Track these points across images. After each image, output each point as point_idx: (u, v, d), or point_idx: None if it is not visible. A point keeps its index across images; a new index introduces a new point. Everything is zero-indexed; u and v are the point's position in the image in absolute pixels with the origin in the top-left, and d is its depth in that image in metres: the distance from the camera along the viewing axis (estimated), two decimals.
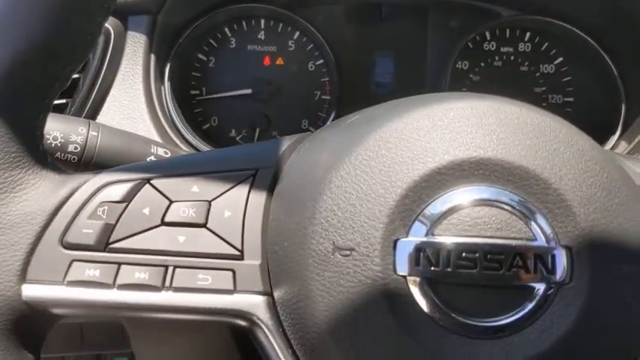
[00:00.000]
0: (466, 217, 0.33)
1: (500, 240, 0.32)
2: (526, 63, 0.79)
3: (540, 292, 0.32)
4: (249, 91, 0.77)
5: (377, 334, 0.32)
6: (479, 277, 0.32)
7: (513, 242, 0.32)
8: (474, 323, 0.32)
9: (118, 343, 0.72)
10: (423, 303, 0.32)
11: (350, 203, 0.33)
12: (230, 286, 0.36)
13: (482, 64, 0.79)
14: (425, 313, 0.32)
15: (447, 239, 0.32)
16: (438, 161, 0.33)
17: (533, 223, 0.33)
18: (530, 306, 0.32)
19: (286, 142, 0.40)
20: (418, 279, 0.32)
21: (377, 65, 0.79)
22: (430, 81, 0.78)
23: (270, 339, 0.36)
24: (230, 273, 0.36)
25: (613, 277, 0.33)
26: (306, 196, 0.35)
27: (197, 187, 0.37)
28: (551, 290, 0.32)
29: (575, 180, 0.33)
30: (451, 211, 0.33)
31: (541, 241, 0.33)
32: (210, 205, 0.36)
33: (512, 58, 0.79)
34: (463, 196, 0.33)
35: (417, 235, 0.33)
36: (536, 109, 0.37)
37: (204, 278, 0.35)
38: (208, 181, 0.37)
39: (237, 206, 0.37)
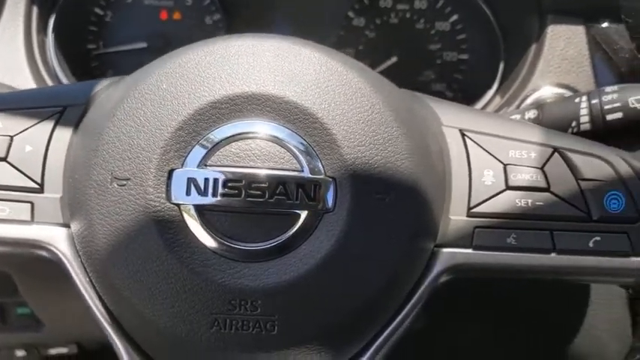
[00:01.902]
0: (237, 149, 0.34)
1: (265, 170, 0.34)
2: (422, 20, 0.80)
3: (303, 219, 0.34)
4: (144, 44, 0.77)
5: (150, 259, 0.34)
6: (244, 205, 0.34)
7: (278, 172, 0.34)
8: (241, 247, 0.34)
9: (15, 292, 0.74)
10: (194, 229, 0.34)
11: (129, 135, 0.35)
12: (27, 217, 0.37)
13: (378, 21, 0.80)
14: (196, 239, 0.34)
15: (216, 170, 0.34)
16: (213, 95, 0.35)
17: (300, 154, 0.35)
18: (293, 232, 0.34)
19: (103, 83, 0.41)
20: (190, 207, 0.34)
21: (274, 21, 0.80)
22: (326, 36, 0.79)
23: (69, 268, 0.37)
24: (28, 205, 0.37)
25: (375, 206, 0.35)
26: (95, 130, 0.36)
27: (0, 123, 0.38)
28: (315, 217, 0.34)
29: (344, 115, 0.35)
30: (224, 143, 0.35)
31: (306, 172, 0.34)
32: (12, 139, 0.38)
33: (407, 15, 0.80)
34: (235, 129, 0.35)
35: (190, 166, 0.34)
36: (317, 47, 0.38)
37: (2, 209, 0.37)
38: (13, 117, 0.38)
39: (39, 141, 0.38)
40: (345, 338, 0.36)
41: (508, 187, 0.38)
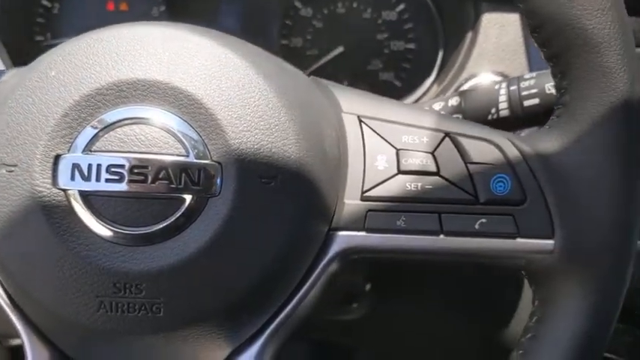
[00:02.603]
0: (122, 134, 0.35)
1: (148, 155, 0.35)
2: (368, 10, 0.80)
3: (188, 203, 0.35)
4: None
5: (37, 244, 0.35)
6: (127, 190, 0.34)
7: (160, 157, 0.35)
8: (125, 231, 0.35)
9: None
10: (80, 213, 0.35)
11: (18, 122, 0.35)
12: None
13: (326, 11, 0.80)
14: (82, 223, 0.35)
15: (100, 155, 0.35)
16: (99, 82, 0.35)
17: (185, 139, 0.35)
18: (177, 216, 0.35)
19: (10, 73, 0.42)
20: (75, 192, 0.35)
21: (220, 10, 0.80)
22: (273, 26, 0.80)
23: None
24: None
25: (260, 191, 0.35)
26: None
27: None
28: (200, 202, 0.35)
29: (230, 100, 0.36)
30: (109, 129, 0.35)
31: (192, 157, 0.35)
32: None
33: (354, 5, 0.80)
34: (121, 115, 0.35)
35: (76, 152, 0.35)
36: (207, 33, 0.39)
37: None
38: None
39: None
40: (235, 322, 0.37)
41: (400, 172, 0.39)
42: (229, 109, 0.36)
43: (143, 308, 0.35)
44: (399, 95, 0.79)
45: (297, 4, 0.79)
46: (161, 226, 0.35)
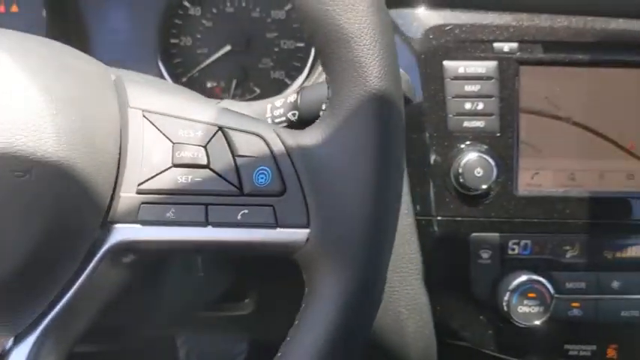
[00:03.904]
0: None
1: None
2: (257, 9, 0.81)
3: None
4: None
5: None
6: None
7: None
8: None
9: None
10: None
11: None
12: None
13: (215, 10, 0.81)
14: None
15: None
16: None
17: None
18: None
19: None
20: None
21: (109, 9, 0.81)
22: (163, 26, 0.81)
23: None
24: None
25: (13, 184, 0.36)
26: None
27: None
28: None
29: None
30: None
31: None
32: None
33: (243, 4, 0.81)
34: None
35: None
36: None
37: None
38: None
39: None
40: (2, 314, 0.38)
41: (174, 165, 0.40)
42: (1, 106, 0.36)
43: None
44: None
45: (186, 3, 0.80)
46: None
